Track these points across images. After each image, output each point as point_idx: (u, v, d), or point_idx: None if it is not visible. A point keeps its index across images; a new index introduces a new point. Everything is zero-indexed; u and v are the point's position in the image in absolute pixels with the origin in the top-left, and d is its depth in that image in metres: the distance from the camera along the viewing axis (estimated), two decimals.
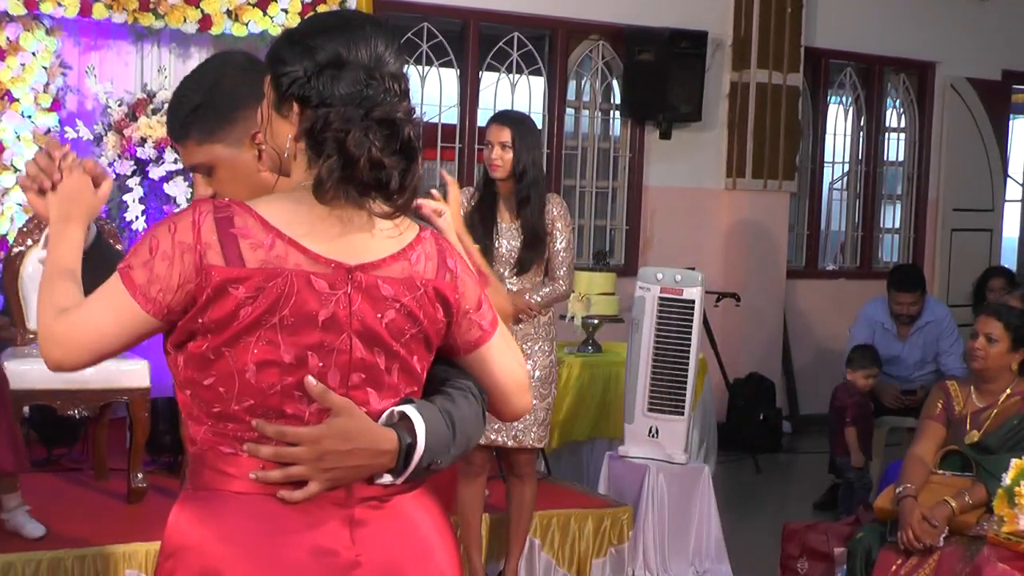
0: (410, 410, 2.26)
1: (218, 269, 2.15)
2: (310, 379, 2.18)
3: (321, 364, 2.20)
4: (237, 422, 2.20)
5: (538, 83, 9.61)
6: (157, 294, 2.16)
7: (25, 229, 7.02)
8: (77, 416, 6.49)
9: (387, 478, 2.25)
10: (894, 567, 4.91)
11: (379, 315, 2.23)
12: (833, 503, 7.82)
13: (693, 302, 6.59)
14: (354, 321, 2.21)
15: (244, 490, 2.20)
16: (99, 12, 7.38)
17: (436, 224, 2.51)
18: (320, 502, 2.21)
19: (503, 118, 5.88)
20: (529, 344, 5.72)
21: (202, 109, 2.53)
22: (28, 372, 6.28)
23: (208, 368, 2.19)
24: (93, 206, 2.53)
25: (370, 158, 2.16)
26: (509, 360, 2.44)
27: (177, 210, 2.31)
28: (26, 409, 6.50)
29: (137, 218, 7.34)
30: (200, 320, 2.17)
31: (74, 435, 6.96)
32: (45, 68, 7.43)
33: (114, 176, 7.30)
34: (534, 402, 5.69)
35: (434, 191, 2.54)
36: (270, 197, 2.27)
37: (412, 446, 2.24)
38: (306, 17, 2.17)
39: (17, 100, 7.34)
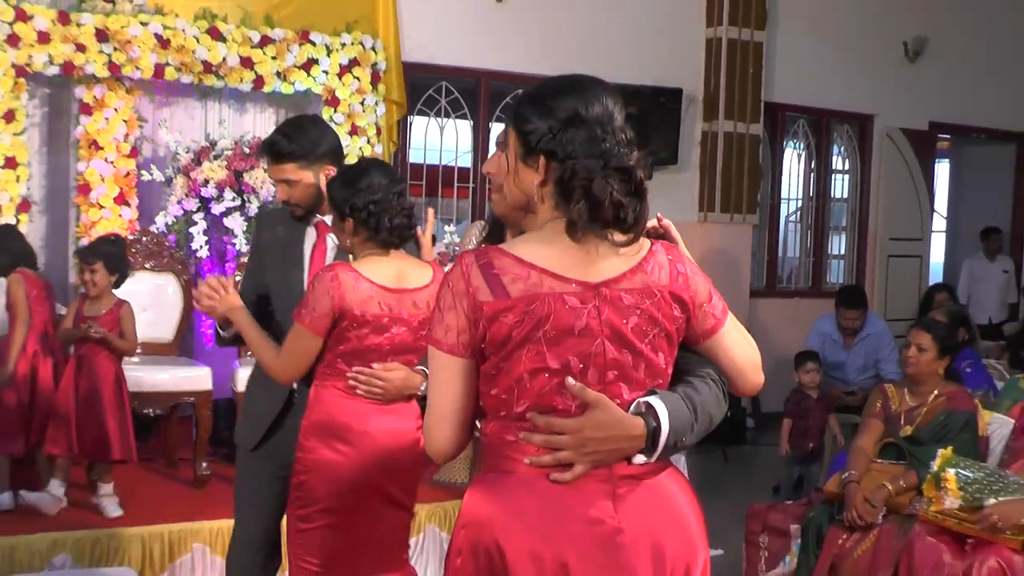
0: (654, 400, 2.30)
1: (488, 304, 2.26)
2: (569, 380, 2.25)
3: (581, 366, 2.27)
4: (518, 420, 2.29)
5: None
6: (464, 340, 2.30)
7: None
8: (152, 414, 6.51)
9: (640, 458, 2.30)
10: (840, 540, 4.95)
11: (624, 321, 2.29)
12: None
13: None
14: (604, 328, 2.28)
15: (525, 473, 2.28)
16: (170, 74, 7.42)
17: (671, 235, 2.53)
18: (587, 481, 2.27)
19: None
20: None
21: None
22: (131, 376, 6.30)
23: (492, 382, 2.30)
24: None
25: (612, 201, 2.23)
26: (741, 343, 2.48)
27: (447, 271, 2.40)
28: None
29: (201, 247, 7.35)
30: (483, 345, 2.29)
31: (148, 431, 6.91)
32: (125, 121, 7.44)
33: (181, 212, 7.34)
34: None
35: (659, 214, 2.56)
36: (522, 238, 2.36)
37: (658, 429, 2.29)
38: (543, 81, 2.24)
39: (102, 148, 7.36)
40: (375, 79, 8.08)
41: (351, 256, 3.73)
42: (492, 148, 9.41)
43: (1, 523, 5.51)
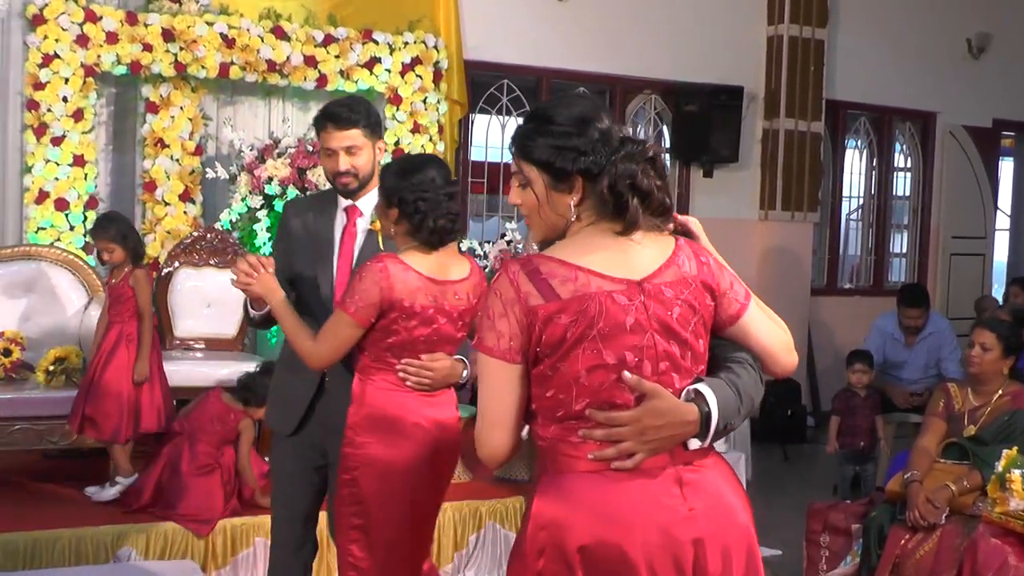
0: (702, 387, 2.37)
1: (542, 307, 2.32)
2: (626, 374, 2.31)
3: (636, 359, 2.33)
4: (578, 419, 2.34)
5: None
6: (515, 346, 2.35)
7: (173, 253, 7.05)
8: None
9: (695, 443, 2.37)
10: (903, 541, 4.89)
11: (669, 312, 2.36)
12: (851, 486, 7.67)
13: None
14: (652, 322, 2.34)
15: (588, 469, 2.33)
16: (235, 73, 7.48)
17: (691, 230, 2.58)
18: (652, 471, 2.33)
19: None
20: None
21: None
22: (176, 372, 6.34)
23: (547, 384, 2.35)
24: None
25: (657, 188, 2.38)
26: (768, 325, 2.54)
27: (494, 280, 2.44)
28: (173, 403, 6.45)
29: (265, 243, 7.32)
30: (538, 348, 2.34)
31: None
32: (190, 119, 7.51)
33: (245, 209, 7.36)
34: None
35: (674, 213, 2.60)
36: (560, 244, 2.41)
37: (709, 414, 2.36)
38: (536, 109, 2.32)
39: (168, 146, 7.43)
40: (437, 78, 8.09)
41: (381, 240, 3.77)
42: None
43: (69, 515, 5.55)
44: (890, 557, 4.89)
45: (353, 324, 3.51)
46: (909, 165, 11.30)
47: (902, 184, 11.31)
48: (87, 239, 7.05)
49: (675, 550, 2.32)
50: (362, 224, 3.96)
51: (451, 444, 3.74)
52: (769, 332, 2.53)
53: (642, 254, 2.39)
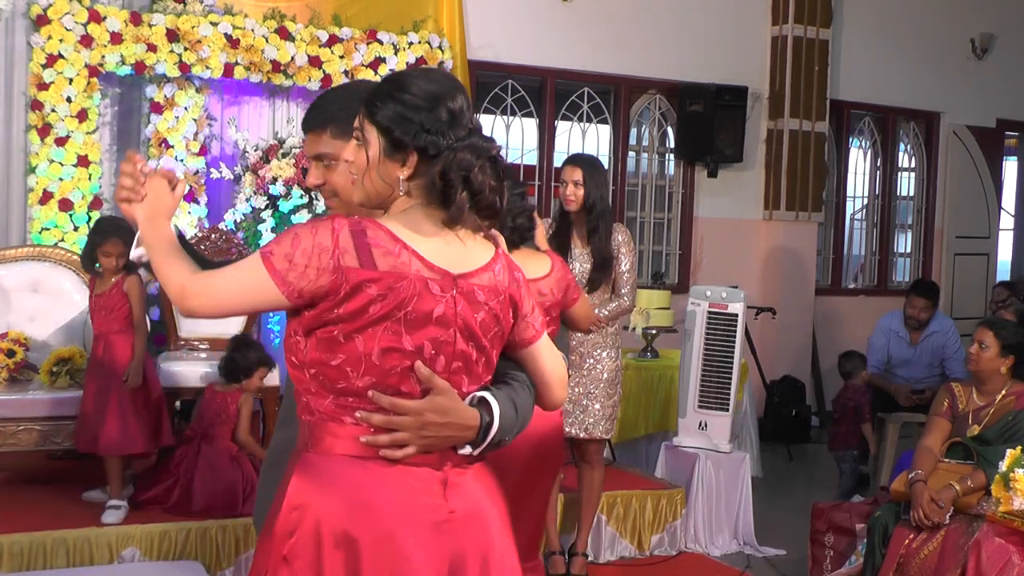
0: (488, 396, 2.36)
1: (355, 271, 2.22)
2: (420, 364, 2.27)
3: (433, 352, 2.29)
4: (357, 396, 2.27)
5: (604, 130, 9.56)
6: (294, 280, 2.22)
7: None
8: None
9: (467, 449, 2.35)
10: (907, 541, 4.89)
11: (476, 315, 2.33)
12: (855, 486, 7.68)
13: (736, 315, 6.57)
14: (458, 319, 2.30)
15: (355, 453, 2.28)
16: (239, 73, 7.46)
17: (498, 242, 2.50)
18: (420, 467, 2.30)
19: (576, 160, 5.78)
20: (599, 350, 5.68)
21: (346, 113, 2.55)
22: (180, 372, 6.42)
23: (336, 350, 2.26)
24: (171, 206, 2.54)
25: (491, 189, 2.31)
26: (553, 357, 2.52)
27: (315, 218, 2.40)
28: (178, 403, 6.54)
29: None
30: (336, 311, 2.24)
31: None
32: (195, 120, 7.48)
33: (250, 209, 7.38)
34: (602, 399, 5.69)
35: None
36: (393, 216, 2.33)
37: (490, 424, 2.34)
38: (397, 74, 2.36)
39: (172, 147, 7.41)
40: None
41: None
42: (559, 146, 9.39)
43: (74, 516, 5.56)
44: (894, 557, 4.88)
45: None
46: (913, 165, 11.28)
47: (906, 184, 11.29)
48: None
49: (427, 550, 2.28)
50: None
51: (554, 442, 3.86)
52: (553, 365, 2.52)
53: (464, 250, 2.35)
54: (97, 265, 5.67)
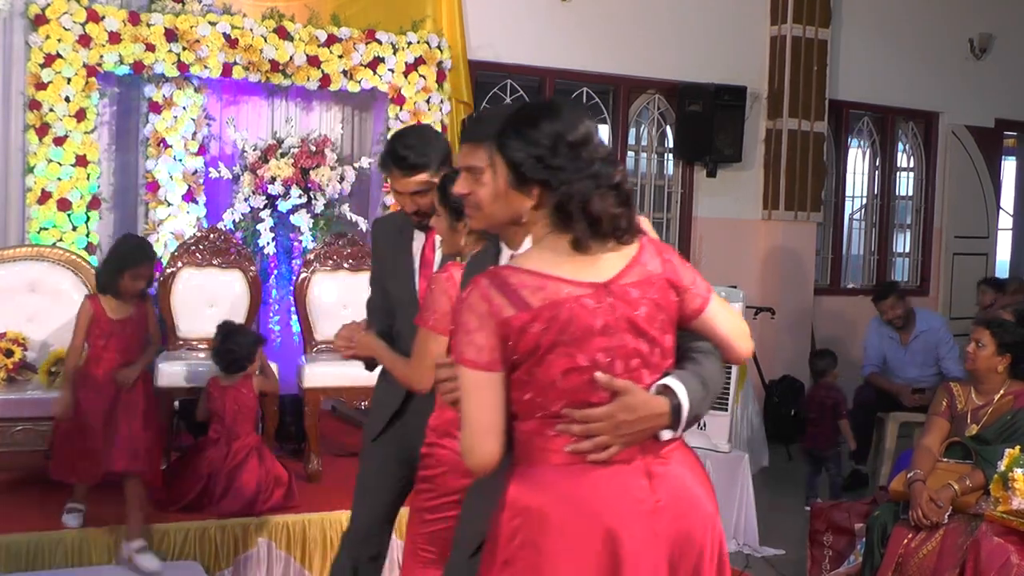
0: (670, 381, 2.50)
1: (515, 318, 2.41)
2: (598, 374, 2.42)
3: (608, 359, 2.44)
4: (555, 417, 2.44)
5: (604, 130, 9.54)
6: (496, 356, 2.42)
7: (176, 253, 7.04)
8: None
9: (667, 433, 2.49)
10: (906, 540, 4.90)
11: (636, 311, 2.47)
12: (853, 485, 7.73)
13: None
14: (621, 322, 2.45)
15: (563, 461, 2.44)
16: (238, 73, 7.46)
17: (642, 229, 2.61)
18: (623, 464, 2.45)
19: None
20: None
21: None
22: (177, 372, 6.43)
23: (524, 388, 2.45)
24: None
25: (609, 216, 2.45)
26: (727, 315, 2.64)
27: (462, 295, 2.55)
28: (176, 403, 6.57)
29: (268, 244, 7.41)
30: (515, 356, 2.42)
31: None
32: (193, 120, 7.49)
33: (248, 209, 7.41)
34: None
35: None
36: (526, 254, 2.53)
37: (679, 406, 2.48)
38: (524, 109, 2.56)
39: (170, 147, 7.41)
40: (440, 77, 8.06)
41: (459, 257, 3.79)
42: None
43: None
44: (893, 556, 4.89)
45: (434, 336, 3.58)
46: (912, 165, 11.28)
47: (905, 184, 11.29)
48: (91, 239, 7.14)
49: (644, 540, 2.41)
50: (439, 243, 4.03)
51: None
52: (729, 323, 2.64)
53: (605, 258, 2.47)
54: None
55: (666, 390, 2.49)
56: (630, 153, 9.72)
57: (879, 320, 8.25)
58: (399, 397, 4.03)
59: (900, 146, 11.22)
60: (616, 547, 2.40)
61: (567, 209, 2.43)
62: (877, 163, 11.04)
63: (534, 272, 2.44)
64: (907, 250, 11.38)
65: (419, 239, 4.10)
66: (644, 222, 2.64)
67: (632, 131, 9.67)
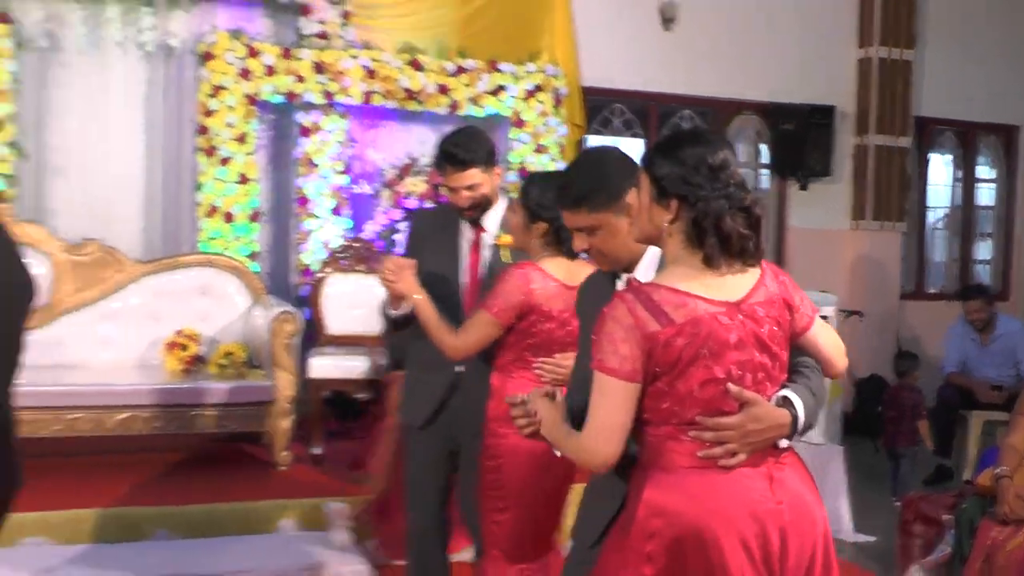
0: (790, 393, 2.52)
1: (660, 332, 2.40)
2: (730, 385, 2.43)
3: (740, 373, 2.45)
4: (688, 424, 2.45)
5: None
6: (637, 367, 2.42)
7: (325, 261, 7.31)
8: (363, 398, 6.73)
9: (785, 442, 2.51)
10: (993, 533, 4.73)
11: (762, 329, 2.48)
12: (938, 479, 7.61)
13: (827, 318, 6.33)
14: (750, 338, 2.46)
15: (694, 465, 2.45)
16: (377, 100, 7.64)
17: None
18: (747, 469, 2.46)
19: None
20: None
21: (594, 191, 2.80)
22: (327, 366, 6.62)
23: (663, 398, 2.44)
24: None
25: (739, 236, 2.45)
26: (828, 334, 2.66)
27: (606, 309, 2.50)
28: (326, 393, 6.72)
29: (404, 254, 7.46)
30: (656, 369, 2.42)
31: (357, 412, 7.02)
32: (339, 142, 7.68)
33: (388, 221, 7.57)
34: None
35: None
36: (665, 274, 2.51)
37: (796, 417, 2.50)
38: (673, 133, 2.62)
39: (318, 166, 7.60)
40: (557, 102, 8.14)
41: (504, 253, 3.84)
42: None
43: (238, 490, 5.76)
44: (982, 548, 4.74)
45: (495, 323, 3.57)
46: (993, 177, 11.08)
47: (986, 195, 11.09)
48: (252, 248, 7.35)
49: (766, 538, 2.43)
50: (487, 239, 4.02)
51: None
52: (829, 341, 2.66)
53: (734, 279, 2.48)
54: None
55: (785, 402, 2.50)
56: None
57: (963, 320, 8.12)
58: (444, 385, 3.95)
59: (981, 159, 11.00)
60: (744, 544, 2.41)
61: (702, 225, 2.43)
62: (959, 175, 10.87)
63: (674, 290, 2.43)
64: (988, 257, 11.19)
65: (467, 233, 4.02)
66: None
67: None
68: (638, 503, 2.47)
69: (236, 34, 7.49)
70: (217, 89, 7.36)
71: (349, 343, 6.96)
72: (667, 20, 9.00)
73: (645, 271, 2.83)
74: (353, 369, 6.58)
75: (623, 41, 8.86)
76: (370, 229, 7.62)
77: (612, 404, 2.45)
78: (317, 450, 6.49)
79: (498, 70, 7.99)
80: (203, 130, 7.37)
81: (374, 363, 6.53)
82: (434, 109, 7.83)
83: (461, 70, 7.90)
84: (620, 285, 2.95)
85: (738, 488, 2.44)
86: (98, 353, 6.72)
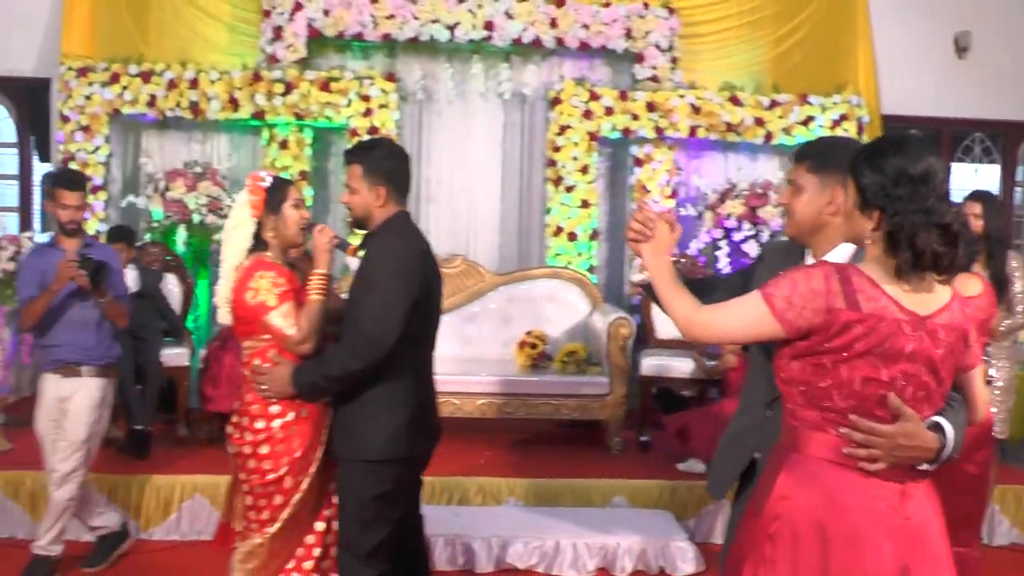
0: (943, 422, 2.36)
1: (843, 312, 2.26)
2: (892, 396, 2.29)
3: (903, 383, 2.30)
4: (838, 413, 2.32)
5: (994, 170, 9.16)
6: (792, 318, 2.29)
7: None
8: (687, 395, 6.83)
9: (925, 466, 2.36)
10: None
11: (938, 351, 2.31)
12: None
13: None
14: (924, 355, 2.29)
15: (834, 459, 2.33)
16: (701, 133, 7.77)
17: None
18: (885, 477, 2.33)
19: (976, 195, 5.48)
20: (995, 361, 5.41)
21: (823, 158, 2.74)
22: (655, 365, 6.72)
23: (824, 375, 2.30)
24: (670, 244, 2.63)
25: (932, 252, 2.26)
26: (982, 381, 2.49)
27: (808, 265, 2.45)
28: (654, 389, 6.76)
29: (725, 267, 7.59)
30: (826, 344, 2.28)
31: (681, 407, 6.67)
32: (667, 171, 7.85)
33: (710, 239, 7.67)
34: (999, 403, 5.39)
35: None
36: (869, 264, 2.34)
37: (943, 447, 2.35)
38: (880, 138, 2.41)
39: (649, 191, 7.78)
40: (860, 130, 8.01)
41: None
42: (953, 184, 9.03)
43: (580, 467, 5.93)
44: None
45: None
46: None
47: None
48: (592, 262, 7.63)
49: (888, 548, 2.28)
50: None
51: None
52: (982, 388, 2.47)
53: (929, 294, 2.32)
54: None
55: (937, 428, 2.34)
56: (1017, 189, 9.21)
57: None
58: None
59: None
60: (860, 547, 2.28)
61: (896, 238, 2.26)
62: None
63: (873, 282, 2.29)
64: None
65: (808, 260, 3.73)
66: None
67: (1019, 169, 9.18)
68: (773, 483, 2.38)
69: (580, 81, 7.88)
70: (563, 128, 7.73)
71: (675, 346, 7.05)
72: (961, 49, 8.78)
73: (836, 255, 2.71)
74: (679, 369, 6.71)
75: (920, 68, 8.64)
76: (694, 246, 7.74)
77: (746, 318, 2.33)
78: (645, 438, 6.67)
79: (808, 102, 7.93)
80: (551, 163, 7.76)
81: (699, 365, 6.65)
82: (751, 139, 7.89)
83: (775, 104, 7.90)
84: (807, 258, 2.86)
85: (871, 493, 2.31)
86: (462, 348, 7.11)
